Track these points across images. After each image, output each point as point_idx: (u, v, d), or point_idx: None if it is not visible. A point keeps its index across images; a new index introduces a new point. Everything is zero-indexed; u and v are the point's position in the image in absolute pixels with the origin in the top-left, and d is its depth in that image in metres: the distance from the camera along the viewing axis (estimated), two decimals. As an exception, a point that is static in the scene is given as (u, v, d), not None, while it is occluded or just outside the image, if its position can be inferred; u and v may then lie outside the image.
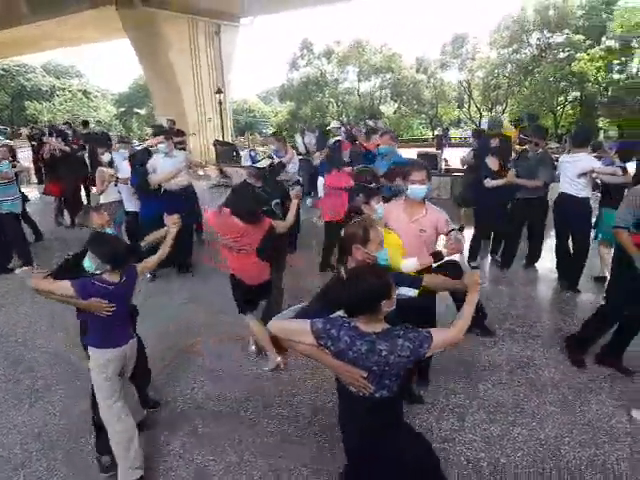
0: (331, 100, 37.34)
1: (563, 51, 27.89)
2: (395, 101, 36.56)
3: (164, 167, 5.58)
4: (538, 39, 29.27)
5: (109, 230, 3.00)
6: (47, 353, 4.28)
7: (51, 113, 43.94)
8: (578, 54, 26.25)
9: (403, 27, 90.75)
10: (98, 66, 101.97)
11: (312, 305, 2.28)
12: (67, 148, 8.40)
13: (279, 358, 3.81)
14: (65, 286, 2.51)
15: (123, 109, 50.45)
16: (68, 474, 2.90)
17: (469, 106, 35.09)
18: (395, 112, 35.96)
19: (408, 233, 3.05)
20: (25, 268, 6.21)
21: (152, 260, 2.99)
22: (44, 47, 25.71)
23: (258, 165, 4.38)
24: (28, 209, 7.50)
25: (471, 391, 3.53)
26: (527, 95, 29.13)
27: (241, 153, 6.66)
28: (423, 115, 37.53)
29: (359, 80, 36.33)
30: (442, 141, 14.33)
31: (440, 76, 35.12)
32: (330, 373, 2.15)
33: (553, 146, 9.05)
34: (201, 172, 8.20)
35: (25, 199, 7.29)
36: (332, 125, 11.72)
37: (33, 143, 12.15)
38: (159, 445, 3.07)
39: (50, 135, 9.50)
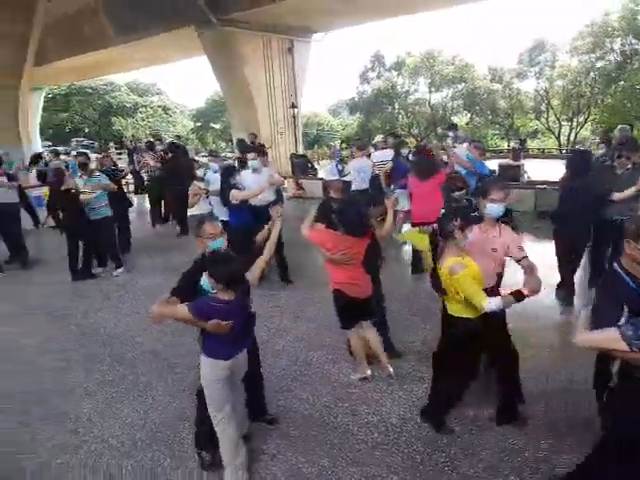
0: (401, 112, 37.14)
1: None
2: (468, 112, 35.76)
3: (252, 183, 5.70)
4: (622, 45, 27.64)
5: (219, 242, 2.96)
6: (146, 352, 4.55)
7: (134, 128, 46.87)
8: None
9: (476, 37, 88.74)
10: (176, 83, 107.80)
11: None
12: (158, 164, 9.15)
13: (369, 370, 3.83)
14: (184, 312, 2.58)
15: (199, 124, 52.90)
16: (171, 464, 3.05)
17: (547, 116, 33.60)
18: (468, 123, 35.17)
19: (481, 251, 3.02)
20: (119, 270, 6.68)
21: (259, 265, 3.00)
22: (128, 67, 27.58)
23: (345, 179, 4.25)
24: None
25: None
26: (612, 104, 27.46)
27: (327, 166, 6.71)
28: (498, 126, 36.40)
29: (430, 91, 35.92)
30: (519, 152, 13.85)
31: (516, 86, 33.96)
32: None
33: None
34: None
35: (129, 204, 8.22)
36: (377, 139, 11.46)
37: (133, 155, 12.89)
38: (253, 444, 3.16)
39: (150, 149, 10.55)
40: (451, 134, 9.28)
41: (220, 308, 2.59)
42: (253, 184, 5.72)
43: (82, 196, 6.34)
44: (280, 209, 3.52)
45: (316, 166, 17.90)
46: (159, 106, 50.92)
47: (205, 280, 2.62)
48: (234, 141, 20.67)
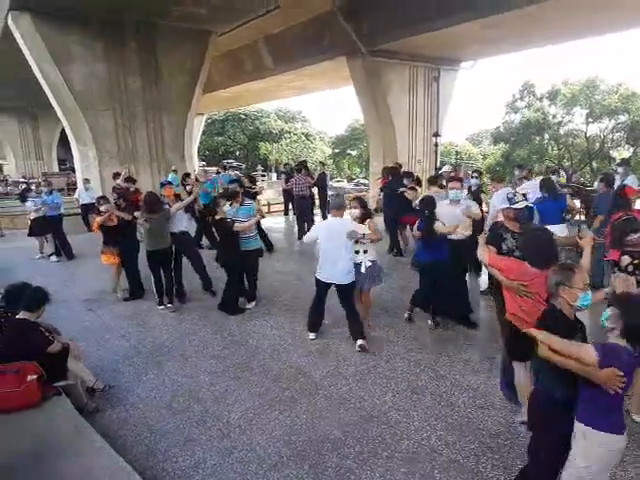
0: (552, 142, 34.64)
1: None
2: (632, 145, 32.14)
3: (446, 214, 5.46)
4: None
5: (588, 297, 2.65)
6: (291, 367, 4.66)
7: (278, 153, 50.16)
8: None
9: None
10: (319, 111, 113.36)
11: None
12: None
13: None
14: (586, 353, 2.27)
15: (337, 150, 54.88)
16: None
17: None
18: (631, 157, 31.56)
19: None
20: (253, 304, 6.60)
21: None
22: (280, 96, 29.72)
23: (516, 206, 4.03)
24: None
25: None
26: None
27: (495, 194, 6.36)
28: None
29: (587, 122, 33.00)
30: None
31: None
32: None
33: None
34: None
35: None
36: (444, 169, 11.00)
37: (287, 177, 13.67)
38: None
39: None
40: (621, 170, 8.34)
41: (627, 359, 2.25)
42: (448, 216, 5.42)
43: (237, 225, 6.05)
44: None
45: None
46: (302, 133, 53.86)
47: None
48: (370, 168, 20.99)
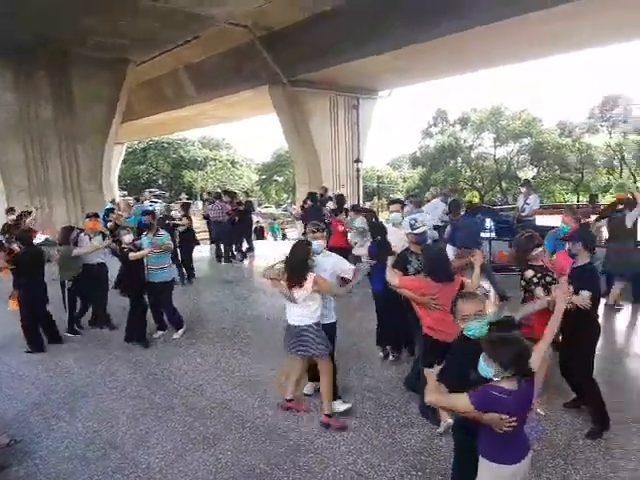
0: (464, 165, 36.98)
1: None
2: (535, 166, 35.02)
3: (396, 238, 5.34)
4: None
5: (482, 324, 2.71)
6: (215, 402, 4.52)
7: (203, 180, 49.50)
8: None
9: (544, 92, 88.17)
10: (244, 138, 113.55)
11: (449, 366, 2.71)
12: None
13: (450, 419, 3.66)
14: (464, 402, 2.30)
15: (264, 177, 55.10)
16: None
17: (620, 171, 32.26)
18: (535, 177, 34.32)
19: None
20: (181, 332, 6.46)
21: (541, 348, 2.59)
22: (203, 124, 29.54)
23: (416, 232, 4.30)
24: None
25: None
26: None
27: (403, 222, 6.52)
28: (566, 181, 35.28)
29: (495, 146, 35.65)
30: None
31: (587, 140, 33.05)
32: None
33: None
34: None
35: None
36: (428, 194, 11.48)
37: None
38: None
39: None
40: (524, 190, 9.05)
41: (505, 400, 2.25)
42: (394, 240, 5.31)
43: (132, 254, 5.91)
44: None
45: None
46: (228, 160, 53.65)
47: (485, 364, 2.29)
48: (296, 193, 21.28)
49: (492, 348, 2.28)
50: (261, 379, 4.97)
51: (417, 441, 3.79)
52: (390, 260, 4.20)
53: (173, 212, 10.75)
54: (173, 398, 4.64)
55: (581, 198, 29.85)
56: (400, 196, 39.33)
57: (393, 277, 4.02)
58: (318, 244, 4.11)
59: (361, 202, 20.71)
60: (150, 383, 5.01)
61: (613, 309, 6.73)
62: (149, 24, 11.42)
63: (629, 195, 6.80)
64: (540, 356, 2.52)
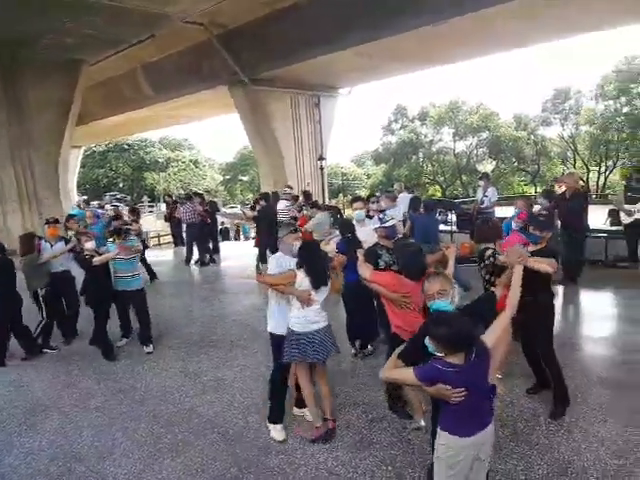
0: (426, 161, 37.61)
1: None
2: (493, 159, 35.95)
3: (363, 234, 5.42)
4: (650, 89, 27.72)
5: (444, 303, 2.82)
6: (184, 409, 4.46)
7: (166, 182, 48.59)
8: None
9: (500, 86, 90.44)
10: (207, 138, 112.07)
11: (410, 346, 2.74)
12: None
13: (423, 422, 3.76)
14: (409, 375, 2.46)
15: (228, 177, 54.55)
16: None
17: (574, 162, 33.48)
18: (494, 170, 35.25)
19: None
20: (125, 340, 6.31)
21: (499, 326, 2.68)
22: (163, 124, 28.96)
23: (385, 225, 4.40)
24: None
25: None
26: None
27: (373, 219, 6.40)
28: (524, 172, 36.38)
29: (454, 140, 36.39)
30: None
31: (541, 132, 34.19)
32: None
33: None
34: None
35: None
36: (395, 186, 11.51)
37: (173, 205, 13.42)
38: None
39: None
40: (482, 183, 9.30)
41: (449, 373, 2.36)
42: (363, 235, 5.36)
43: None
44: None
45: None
46: (190, 160, 52.83)
47: (427, 341, 2.44)
48: (262, 192, 21.20)
49: (430, 327, 2.45)
50: (229, 382, 4.93)
51: (387, 435, 3.83)
52: (361, 253, 4.17)
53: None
54: (139, 407, 4.55)
55: (538, 189, 30.81)
56: (364, 193, 39.75)
57: (365, 270, 3.92)
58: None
59: (326, 199, 20.80)
60: (115, 393, 4.89)
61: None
62: (99, 23, 11.04)
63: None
64: (503, 323, 2.66)
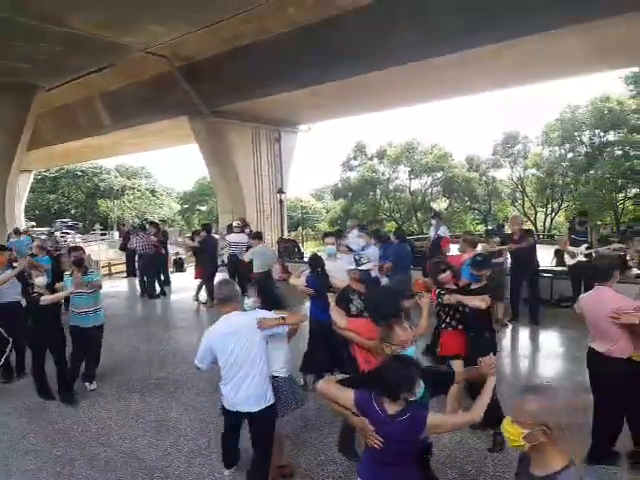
0: (383, 197, 38.47)
1: (619, 149, 27.92)
2: (447, 198, 37.21)
3: (331, 271, 5.38)
4: (591, 138, 29.59)
5: (410, 350, 2.81)
6: (122, 452, 4.25)
7: (120, 210, 47.42)
8: (634, 152, 26.23)
9: (454, 128, 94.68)
10: (165, 167, 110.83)
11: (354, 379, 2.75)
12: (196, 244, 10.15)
13: None
14: (347, 395, 2.42)
15: (186, 206, 53.82)
16: None
17: (523, 203, 35.11)
18: (447, 208, 36.44)
19: None
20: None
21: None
22: (120, 152, 28.51)
23: (362, 268, 4.14)
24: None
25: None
26: (584, 192, 28.89)
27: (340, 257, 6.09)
28: (476, 211, 37.80)
29: (410, 178, 37.54)
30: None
31: (492, 174, 35.80)
32: None
33: (616, 246, 8.49)
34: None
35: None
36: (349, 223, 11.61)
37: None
38: None
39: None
40: (434, 221, 9.61)
41: (377, 416, 2.29)
42: (335, 271, 5.32)
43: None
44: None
45: (302, 249, 18.14)
46: (147, 189, 51.92)
47: None
48: (219, 223, 20.99)
49: (382, 367, 2.46)
50: (172, 423, 4.75)
51: (335, 478, 3.77)
52: (332, 298, 3.98)
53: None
54: (75, 450, 4.30)
55: (489, 227, 31.98)
56: (323, 226, 40.08)
57: (339, 319, 3.66)
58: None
59: (286, 232, 20.83)
60: (49, 434, 4.62)
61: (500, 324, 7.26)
62: (54, 49, 10.89)
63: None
64: (457, 423, 2.65)
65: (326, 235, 6.30)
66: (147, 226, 11.70)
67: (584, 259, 7.61)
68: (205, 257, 10.11)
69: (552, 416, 1.73)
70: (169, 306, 10.95)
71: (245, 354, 3.20)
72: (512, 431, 1.76)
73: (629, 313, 3.39)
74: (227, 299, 3.36)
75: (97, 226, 35.09)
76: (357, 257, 4.20)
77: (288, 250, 14.41)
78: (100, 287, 5.86)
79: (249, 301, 3.68)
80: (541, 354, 6.91)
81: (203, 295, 10.11)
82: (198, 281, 10.47)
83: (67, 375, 5.42)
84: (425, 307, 3.76)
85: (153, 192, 52.63)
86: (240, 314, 3.38)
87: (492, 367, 2.60)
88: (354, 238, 8.18)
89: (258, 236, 8.98)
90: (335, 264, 5.65)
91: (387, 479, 2.39)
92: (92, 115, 19.64)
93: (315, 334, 5.27)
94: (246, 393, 3.21)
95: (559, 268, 9.55)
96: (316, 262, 5.36)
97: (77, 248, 6.95)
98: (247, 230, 10.91)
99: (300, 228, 39.66)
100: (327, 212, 47.46)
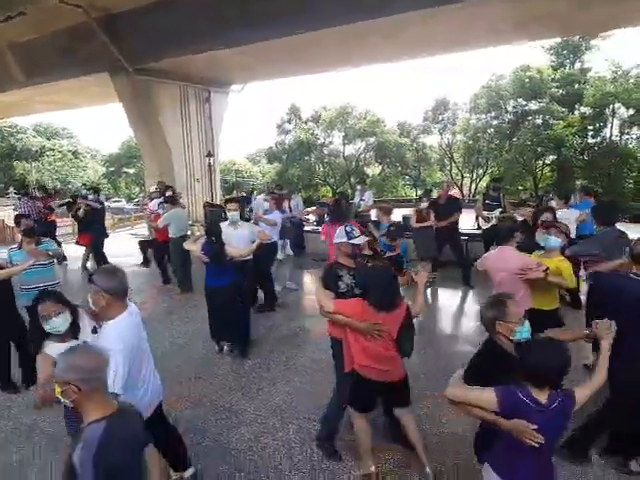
0: (318, 162, 38.53)
1: (540, 118, 29.50)
2: (379, 163, 37.88)
3: (233, 237, 5.53)
4: (514, 107, 31.00)
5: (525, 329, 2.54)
6: (24, 425, 4.12)
7: (39, 172, 44.37)
8: (553, 120, 27.83)
9: (386, 94, 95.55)
10: (89, 127, 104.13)
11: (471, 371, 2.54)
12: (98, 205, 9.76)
13: (373, 467, 3.35)
14: (489, 397, 2.13)
15: (112, 169, 51.19)
16: None
17: (450, 169, 36.44)
18: (380, 174, 37.19)
19: None
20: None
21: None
22: (36, 110, 26.35)
23: (354, 242, 3.68)
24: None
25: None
26: (507, 159, 30.44)
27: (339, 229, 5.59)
28: (407, 177, 38.84)
29: (344, 143, 37.74)
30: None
31: (422, 140, 36.74)
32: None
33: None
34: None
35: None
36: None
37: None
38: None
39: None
40: (359, 187, 9.84)
41: (530, 409, 2.10)
42: (235, 239, 5.52)
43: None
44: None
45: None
46: (69, 150, 48.76)
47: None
48: (146, 187, 20.24)
49: (524, 354, 2.22)
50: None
51: (244, 441, 3.82)
52: (316, 277, 3.96)
53: None
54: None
55: (419, 192, 33.08)
56: (258, 190, 39.57)
57: (327, 303, 3.34)
58: None
59: (218, 196, 20.41)
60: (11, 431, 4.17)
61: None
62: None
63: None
64: (595, 386, 2.33)
65: (228, 201, 6.11)
66: (36, 191, 10.94)
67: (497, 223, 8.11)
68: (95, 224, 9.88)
69: (74, 374, 1.85)
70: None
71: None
72: (56, 390, 1.90)
73: (533, 269, 3.81)
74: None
75: (11, 189, 32.73)
76: (349, 229, 3.69)
77: (214, 214, 14.14)
78: (57, 255, 5.39)
79: None
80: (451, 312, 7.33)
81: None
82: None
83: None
84: (421, 283, 3.56)
85: (76, 154, 49.54)
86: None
87: (609, 330, 2.49)
88: (259, 202, 8.23)
89: (172, 200, 8.59)
90: (236, 232, 5.70)
91: (534, 471, 2.22)
92: (2, 68, 17.99)
93: (210, 300, 5.44)
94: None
95: (474, 231, 9.98)
96: (212, 229, 5.34)
97: (22, 216, 6.36)
98: (168, 194, 10.59)
99: (235, 192, 39.02)
100: (263, 176, 46.93)
